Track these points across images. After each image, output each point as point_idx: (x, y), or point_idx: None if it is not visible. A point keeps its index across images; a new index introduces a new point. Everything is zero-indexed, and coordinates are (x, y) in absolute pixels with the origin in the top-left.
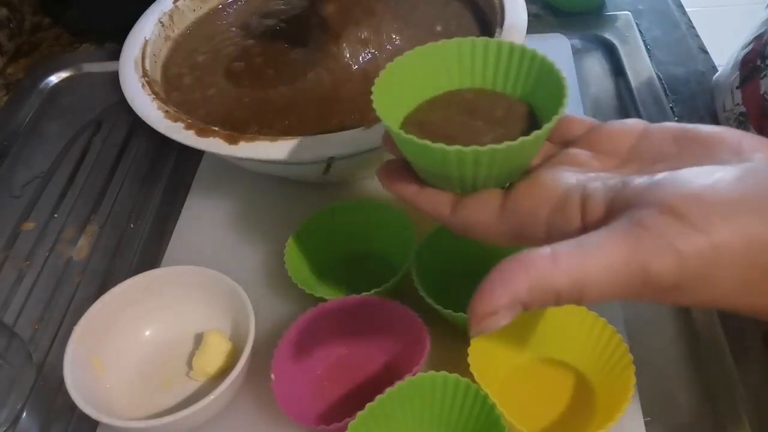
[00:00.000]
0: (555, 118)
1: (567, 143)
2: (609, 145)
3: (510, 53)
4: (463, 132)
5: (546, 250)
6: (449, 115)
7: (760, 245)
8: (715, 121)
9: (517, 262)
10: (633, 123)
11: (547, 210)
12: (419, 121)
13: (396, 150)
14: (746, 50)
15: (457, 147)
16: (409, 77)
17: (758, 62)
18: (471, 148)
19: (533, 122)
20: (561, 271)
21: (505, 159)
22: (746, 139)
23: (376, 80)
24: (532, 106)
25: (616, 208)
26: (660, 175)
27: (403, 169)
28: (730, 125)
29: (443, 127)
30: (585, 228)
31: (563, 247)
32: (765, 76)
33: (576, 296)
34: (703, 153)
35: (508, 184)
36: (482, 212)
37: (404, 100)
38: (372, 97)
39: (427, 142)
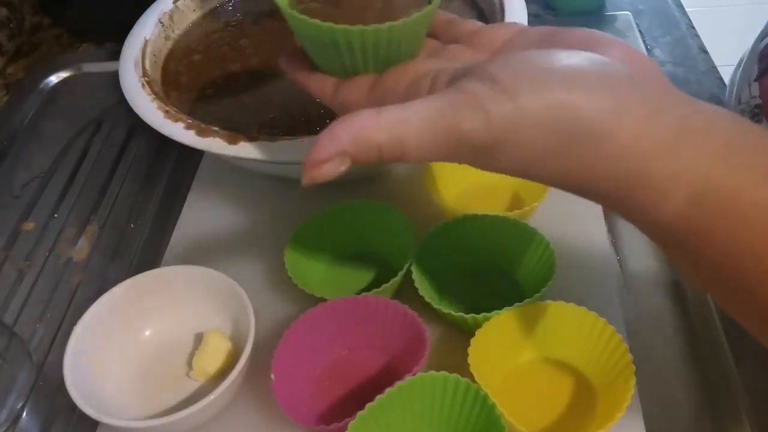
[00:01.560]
0: (428, 9)
1: (454, 42)
2: (486, 41)
3: None
4: (353, 15)
5: (371, 109)
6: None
7: (561, 112)
8: None
9: (345, 119)
10: (513, 23)
11: (405, 85)
12: (310, 9)
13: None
14: (765, 42)
15: (345, 26)
16: None
17: None
18: (358, 27)
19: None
20: (381, 126)
21: (387, 41)
22: (608, 41)
23: None
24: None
25: (455, 81)
26: (505, 55)
27: (300, 56)
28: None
29: (338, 10)
30: None
31: (388, 107)
32: None
33: (397, 151)
34: (561, 47)
35: None
36: (356, 91)
37: None
38: None
39: (317, 21)
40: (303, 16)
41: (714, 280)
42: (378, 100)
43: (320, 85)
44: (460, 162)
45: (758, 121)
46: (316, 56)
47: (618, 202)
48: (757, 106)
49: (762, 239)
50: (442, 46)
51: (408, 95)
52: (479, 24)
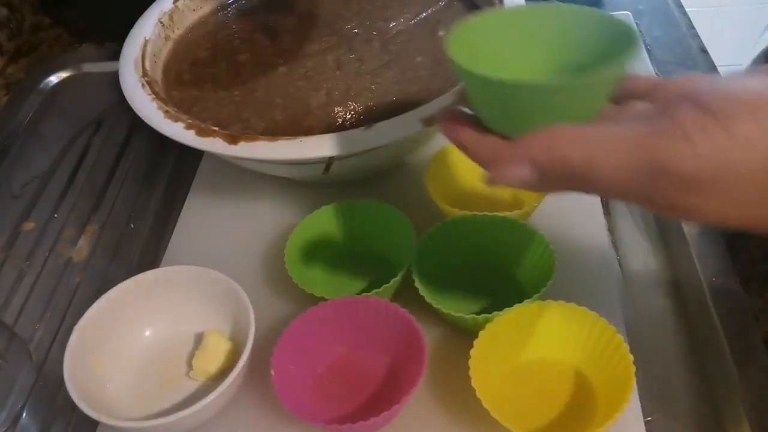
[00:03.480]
0: (612, 70)
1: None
2: (668, 96)
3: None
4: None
5: (570, 126)
6: None
7: None
8: None
9: (539, 130)
10: (689, 77)
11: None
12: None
13: (464, 101)
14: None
15: (531, 79)
16: (490, 32)
17: None
18: (545, 81)
19: None
20: (573, 141)
21: (569, 99)
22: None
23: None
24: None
25: (660, 111)
26: (716, 81)
27: (465, 116)
28: None
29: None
30: None
31: (586, 126)
32: None
33: (588, 173)
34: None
35: None
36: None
37: (476, 51)
38: (449, 37)
39: (501, 78)
40: (483, 74)
41: None
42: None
43: (493, 149)
44: (657, 203)
45: None
46: (489, 116)
47: None
48: None
49: None
50: (622, 106)
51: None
52: (655, 79)
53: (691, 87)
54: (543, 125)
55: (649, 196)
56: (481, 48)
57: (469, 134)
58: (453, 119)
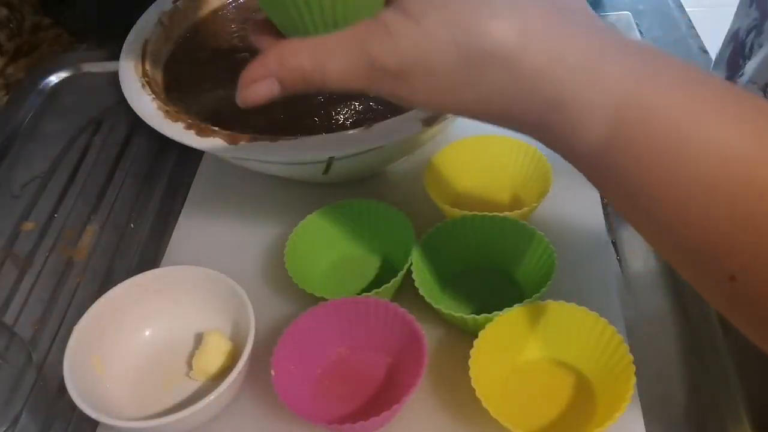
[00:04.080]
0: None
1: None
2: None
3: None
4: None
5: (298, 39)
6: None
7: (465, 35)
8: None
9: (274, 45)
10: None
11: None
12: None
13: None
14: (729, 49)
15: None
16: None
17: (739, 62)
18: None
19: None
20: (303, 49)
21: (344, 3)
22: None
23: None
24: None
25: None
26: None
27: (267, 24)
28: None
29: None
30: None
31: (315, 37)
32: (742, 74)
33: (318, 75)
34: None
35: None
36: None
37: None
38: None
39: None
40: None
41: (630, 206)
42: None
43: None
44: (381, 94)
45: None
46: (278, 20)
47: (537, 130)
48: None
49: (682, 167)
50: None
51: None
52: None
53: None
54: (325, 21)
55: (375, 89)
56: None
57: (265, 40)
58: (258, 26)
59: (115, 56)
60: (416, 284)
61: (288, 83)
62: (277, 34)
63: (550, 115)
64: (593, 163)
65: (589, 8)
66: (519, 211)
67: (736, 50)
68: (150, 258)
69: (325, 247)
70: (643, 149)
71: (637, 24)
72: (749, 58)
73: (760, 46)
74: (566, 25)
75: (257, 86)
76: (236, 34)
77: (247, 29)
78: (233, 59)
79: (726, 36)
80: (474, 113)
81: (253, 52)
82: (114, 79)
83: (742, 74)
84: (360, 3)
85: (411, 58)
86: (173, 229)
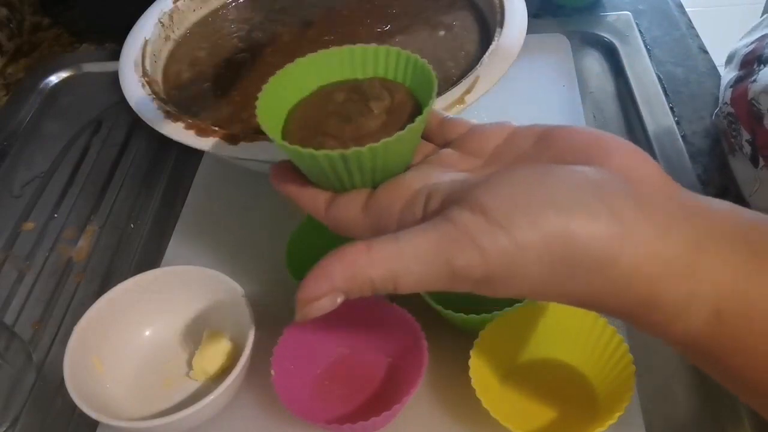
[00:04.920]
0: (420, 118)
1: (446, 144)
2: (479, 145)
3: (396, 57)
4: (342, 126)
5: (362, 243)
6: (334, 103)
7: (560, 243)
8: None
9: (336, 254)
10: (504, 124)
11: (399, 205)
12: (299, 117)
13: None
14: (748, 49)
15: (325, 151)
16: (293, 82)
17: (754, 65)
18: (337, 151)
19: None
20: (374, 262)
21: (373, 158)
22: (604, 141)
23: (263, 88)
24: (419, 99)
25: (446, 204)
26: (492, 173)
27: (290, 169)
28: (721, 121)
29: (322, 120)
30: (423, 221)
31: (379, 239)
32: (755, 80)
33: (390, 285)
34: (557, 154)
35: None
36: (349, 209)
37: (287, 102)
38: (256, 103)
39: (298, 148)
40: (283, 143)
41: (731, 384)
42: (373, 220)
43: (312, 201)
44: (456, 290)
45: (735, 128)
46: (311, 174)
47: (631, 321)
48: (730, 114)
49: None
50: (435, 150)
51: (402, 218)
52: (471, 124)
53: (475, 184)
54: (357, 180)
55: (448, 289)
56: (288, 97)
57: (291, 187)
58: (280, 171)
59: (115, 56)
60: None
61: (354, 294)
62: (303, 178)
63: (644, 313)
64: (689, 348)
65: (686, 191)
66: None
67: (756, 53)
68: (150, 258)
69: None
70: (745, 338)
71: (637, 24)
72: (766, 65)
73: None
74: (658, 219)
75: (321, 304)
76: (236, 35)
77: (270, 174)
78: (233, 59)
79: (747, 34)
80: (563, 302)
81: (254, 52)
82: (114, 79)
83: (755, 80)
84: (398, 158)
85: (499, 268)
86: (173, 229)
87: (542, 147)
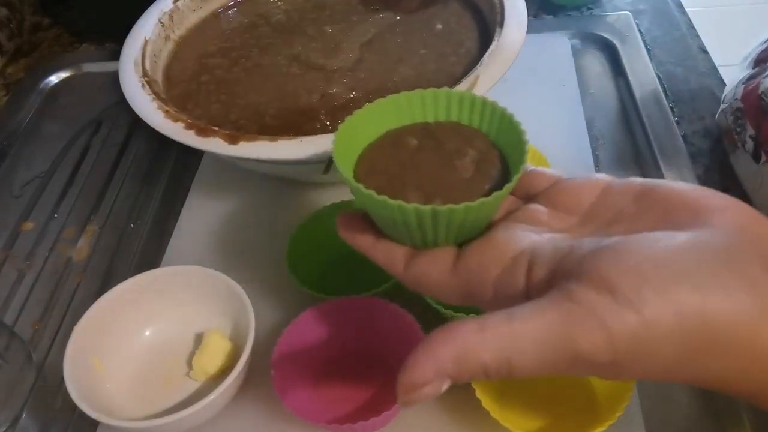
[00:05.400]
0: (516, 178)
1: (530, 198)
2: (570, 201)
3: (472, 102)
4: (430, 179)
5: (474, 322)
6: (408, 148)
7: (696, 320)
8: (716, 120)
9: (444, 333)
10: (597, 178)
11: (496, 271)
12: (369, 162)
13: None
14: (762, 47)
15: (415, 205)
16: (370, 125)
17: (767, 63)
18: (429, 207)
19: (503, 166)
20: (487, 344)
21: (464, 217)
22: (709, 199)
23: (337, 130)
24: (501, 151)
25: (557, 275)
26: (606, 242)
27: (361, 219)
28: (727, 118)
29: (400, 169)
30: (528, 292)
31: (492, 318)
32: (767, 76)
33: (504, 370)
34: (661, 215)
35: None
36: (434, 269)
37: (357, 148)
38: (332, 146)
39: (386, 198)
40: (370, 192)
41: None
42: (462, 283)
43: (389, 257)
44: (577, 375)
45: (741, 124)
46: (384, 226)
47: (754, 399)
48: (738, 109)
49: None
50: (517, 204)
51: (500, 285)
52: (556, 176)
53: (592, 254)
54: (437, 236)
55: (570, 372)
56: (357, 142)
57: (364, 240)
58: (350, 222)
59: (115, 56)
60: None
61: (463, 380)
62: (376, 230)
63: None
64: None
65: None
66: None
67: None
68: (150, 258)
69: (325, 247)
70: None
71: (637, 24)
72: None
73: None
74: None
75: (427, 390)
76: (236, 35)
77: (339, 224)
78: (233, 59)
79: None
80: (689, 383)
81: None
82: (114, 79)
83: (767, 76)
84: (487, 216)
85: (628, 352)
86: (173, 229)
87: (644, 206)
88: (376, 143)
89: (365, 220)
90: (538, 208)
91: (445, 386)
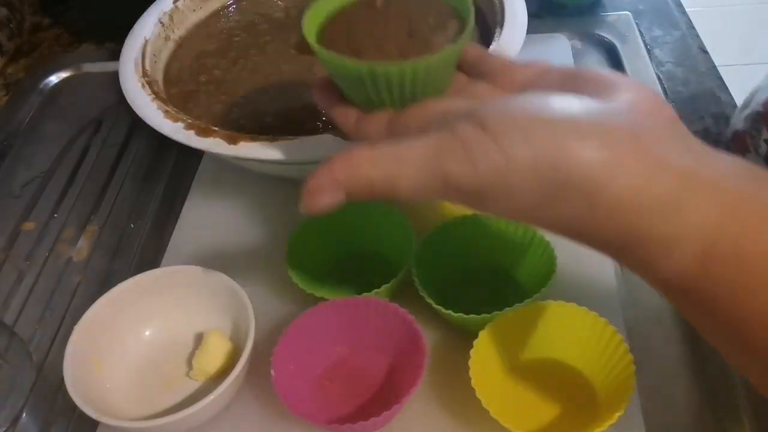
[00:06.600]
0: (451, 48)
1: (482, 77)
2: (510, 80)
3: None
4: (384, 43)
5: (368, 144)
6: (378, 16)
7: (550, 162)
8: (718, 120)
9: (343, 152)
10: (540, 62)
11: (419, 124)
12: (344, 27)
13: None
14: None
15: (369, 62)
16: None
17: None
18: (381, 64)
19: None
20: (374, 162)
21: (412, 78)
22: (621, 80)
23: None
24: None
25: (452, 122)
26: (505, 97)
27: (330, 84)
28: (744, 122)
29: (367, 32)
30: None
31: (383, 143)
32: None
33: (388, 188)
34: (575, 89)
35: None
36: (374, 126)
37: (325, 13)
38: (303, 18)
39: (344, 58)
40: (329, 52)
41: (721, 336)
42: (392, 136)
43: (344, 116)
44: (455, 202)
45: (757, 128)
46: (345, 87)
47: (618, 256)
48: (757, 113)
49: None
50: (469, 83)
51: (418, 134)
52: (509, 61)
53: (488, 105)
54: (383, 98)
55: (445, 198)
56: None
57: (327, 101)
58: (321, 84)
59: (115, 56)
60: (416, 284)
61: (354, 193)
62: (339, 94)
63: (631, 246)
64: (678, 292)
65: (693, 137)
66: None
67: None
68: (150, 258)
69: (325, 247)
70: (736, 281)
71: (637, 24)
72: None
73: None
74: (652, 154)
75: (323, 196)
76: (236, 35)
77: (314, 89)
78: (233, 59)
79: None
80: (552, 230)
81: (254, 51)
82: (114, 79)
83: None
84: (431, 83)
85: (489, 182)
86: (173, 229)
87: (566, 83)
88: (346, 9)
89: (334, 87)
90: (481, 85)
91: (339, 198)
